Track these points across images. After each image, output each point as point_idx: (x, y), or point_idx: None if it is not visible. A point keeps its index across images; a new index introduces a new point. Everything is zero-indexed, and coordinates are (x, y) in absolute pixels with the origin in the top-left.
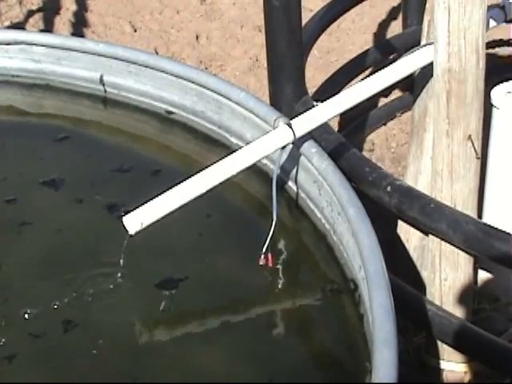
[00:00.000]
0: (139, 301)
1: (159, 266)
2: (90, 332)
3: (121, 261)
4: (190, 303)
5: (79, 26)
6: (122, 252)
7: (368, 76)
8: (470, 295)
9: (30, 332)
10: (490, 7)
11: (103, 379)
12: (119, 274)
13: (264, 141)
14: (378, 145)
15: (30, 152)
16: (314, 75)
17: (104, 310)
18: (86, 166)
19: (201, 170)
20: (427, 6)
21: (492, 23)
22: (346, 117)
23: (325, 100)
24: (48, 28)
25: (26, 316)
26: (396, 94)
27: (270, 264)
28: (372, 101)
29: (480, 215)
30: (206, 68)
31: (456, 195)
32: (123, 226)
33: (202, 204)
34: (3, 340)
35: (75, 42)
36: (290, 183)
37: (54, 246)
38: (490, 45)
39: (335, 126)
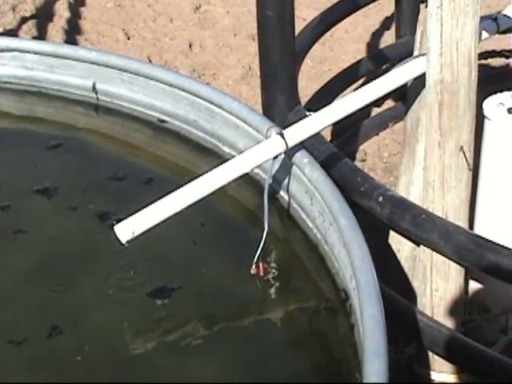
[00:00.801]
0: (131, 310)
1: (152, 274)
2: (78, 340)
3: (114, 269)
4: (181, 312)
5: (72, 34)
6: (116, 260)
7: (361, 86)
8: (460, 306)
9: (12, 339)
10: (482, 18)
11: None
12: (112, 283)
13: (256, 150)
14: (370, 155)
15: (23, 159)
16: (307, 84)
17: (94, 318)
18: (78, 174)
19: (193, 179)
20: (420, 16)
21: (484, 35)
22: (339, 126)
23: (317, 110)
24: (41, 35)
25: (15, 323)
26: (388, 103)
27: (262, 273)
28: (364, 111)
29: (471, 226)
30: (199, 76)
31: (447, 206)
32: (115, 234)
33: (193, 213)
34: None
35: (68, 50)
36: (282, 193)
37: (47, 254)
38: (483, 56)
39: (327, 135)
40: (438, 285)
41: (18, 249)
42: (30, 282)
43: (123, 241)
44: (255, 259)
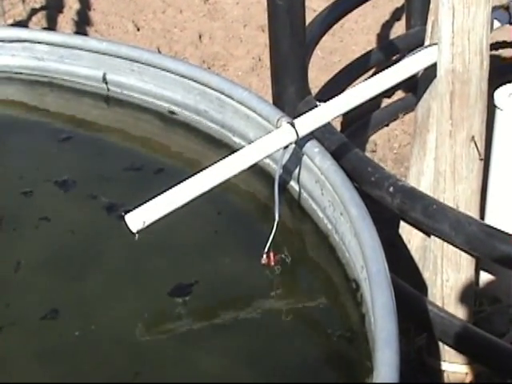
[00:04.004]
0: (137, 300)
1: (164, 267)
2: (72, 324)
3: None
4: (191, 303)
5: (82, 25)
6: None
7: (371, 77)
8: (471, 296)
9: (7, 318)
10: (494, 8)
11: (105, 375)
12: (124, 273)
13: (267, 140)
14: (381, 145)
15: (34, 150)
16: (317, 75)
17: (96, 306)
18: (89, 165)
19: (203, 169)
20: (431, 6)
21: (496, 24)
22: (349, 117)
23: (328, 100)
24: (51, 26)
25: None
26: (399, 94)
27: (272, 263)
28: (375, 101)
29: (482, 216)
30: (209, 67)
31: (459, 196)
32: (125, 224)
33: (204, 204)
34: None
35: (78, 40)
36: (293, 183)
37: (60, 242)
38: (494, 46)
39: (338, 126)
40: (448, 275)
41: (35, 236)
42: (42, 271)
43: (134, 230)
44: (266, 249)
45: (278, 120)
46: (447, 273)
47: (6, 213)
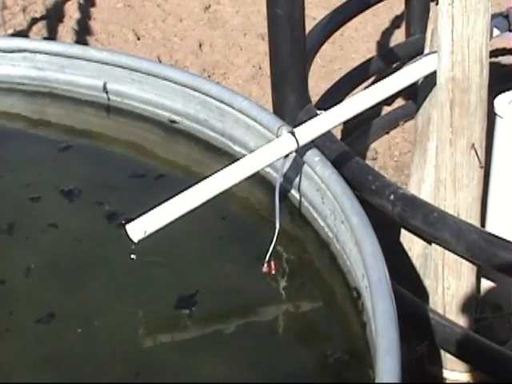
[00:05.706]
0: (147, 310)
1: (164, 276)
2: (67, 328)
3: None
4: (193, 312)
5: (82, 34)
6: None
7: (371, 84)
8: (472, 304)
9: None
10: (493, 16)
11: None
12: (125, 281)
13: (267, 149)
14: (381, 153)
15: (35, 159)
16: (317, 83)
17: (107, 317)
18: (92, 173)
19: (204, 178)
20: (431, 14)
21: (495, 32)
22: (349, 125)
23: (328, 108)
24: (51, 36)
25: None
26: (399, 102)
27: (273, 272)
28: (375, 109)
29: (483, 224)
30: (209, 76)
31: (459, 204)
32: (126, 234)
33: (205, 213)
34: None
35: (78, 50)
36: (293, 191)
37: (61, 250)
38: (493, 54)
39: (338, 134)
40: (449, 283)
41: (44, 242)
42: (49, 277)
43: (135, 240)
44: (267, 258)
45: (279, 129)
46: (448, 280)
47: (16, 218)
